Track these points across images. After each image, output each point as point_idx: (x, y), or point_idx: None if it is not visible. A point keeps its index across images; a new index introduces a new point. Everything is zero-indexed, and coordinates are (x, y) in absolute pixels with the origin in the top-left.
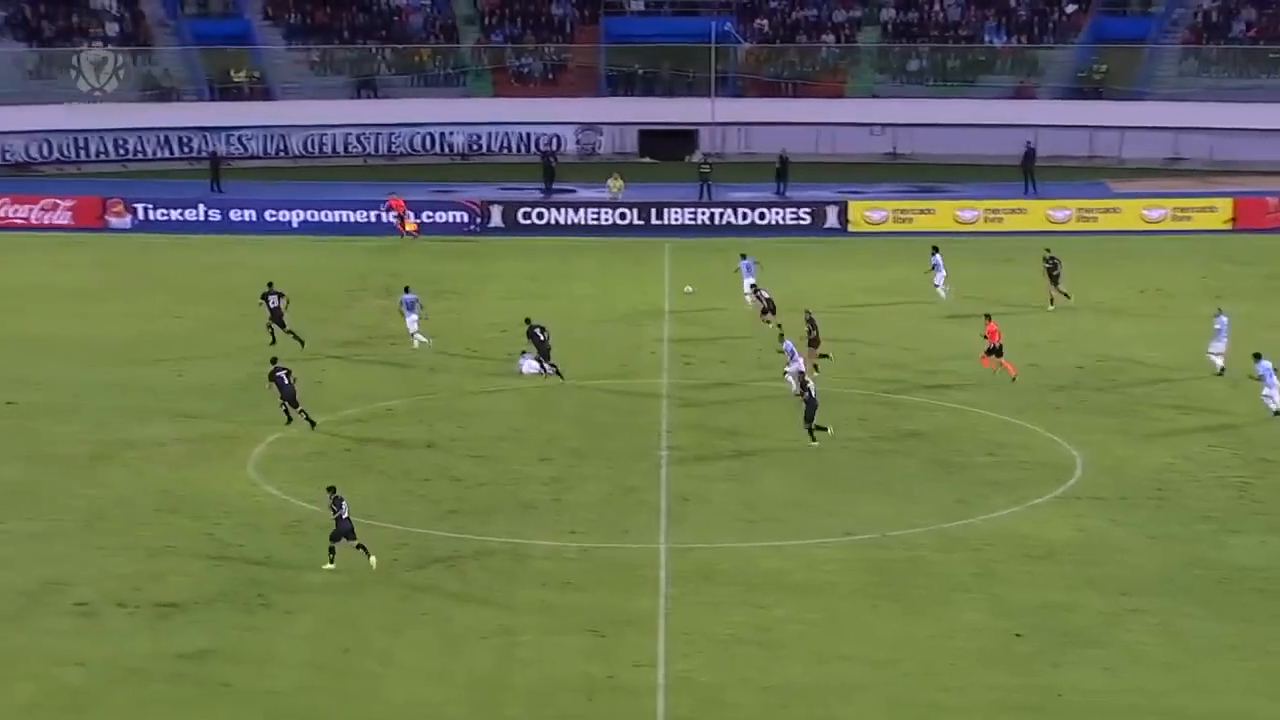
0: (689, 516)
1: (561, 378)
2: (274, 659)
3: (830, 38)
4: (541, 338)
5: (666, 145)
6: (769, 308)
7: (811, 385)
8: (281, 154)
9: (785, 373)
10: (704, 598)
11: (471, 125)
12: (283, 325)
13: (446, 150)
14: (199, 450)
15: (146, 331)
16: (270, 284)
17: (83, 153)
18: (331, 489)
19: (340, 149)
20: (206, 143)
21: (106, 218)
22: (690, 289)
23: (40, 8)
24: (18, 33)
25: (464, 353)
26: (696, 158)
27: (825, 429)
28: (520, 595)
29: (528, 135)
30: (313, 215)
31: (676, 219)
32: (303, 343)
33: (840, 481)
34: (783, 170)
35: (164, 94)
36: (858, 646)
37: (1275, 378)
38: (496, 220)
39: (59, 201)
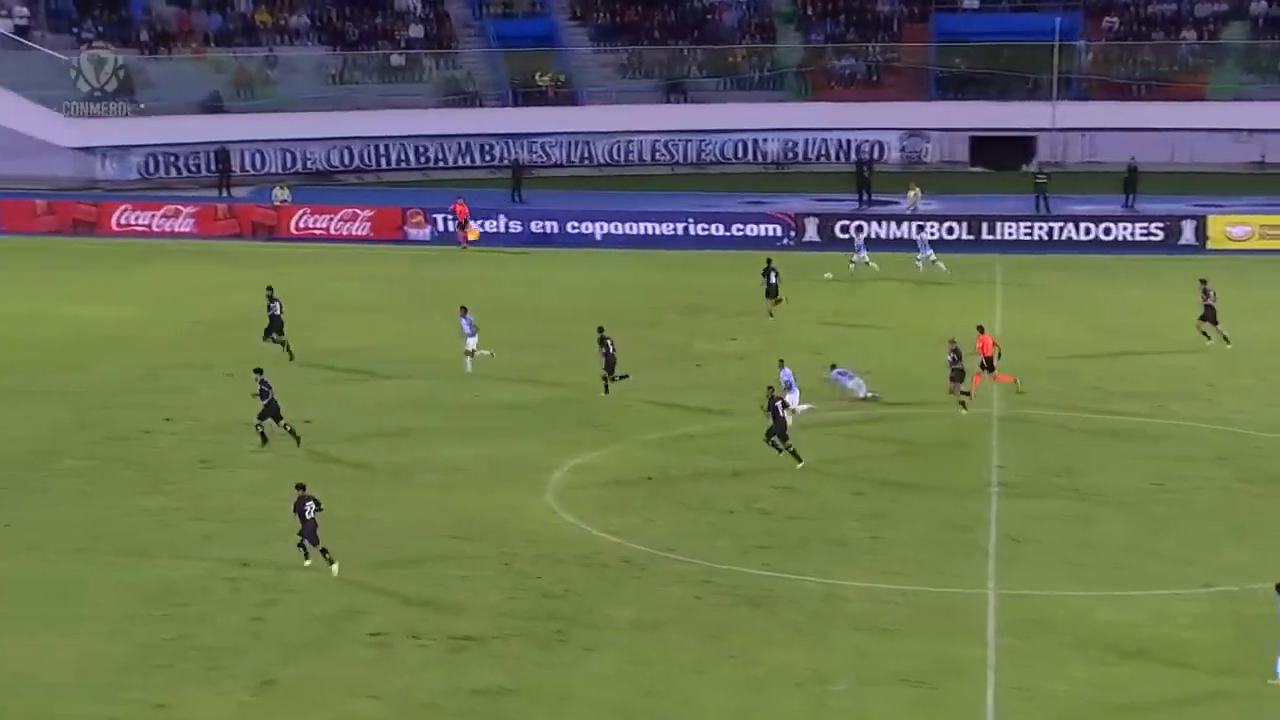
0: (1020, 559)
1: (606, 391)
2: (572, 698)
3: (1191, 34)
4: (611, 350)
5: (1000, 153)
6: (771, 291)
7: (780, 405)
8: (586, 162)
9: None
10: (1038, 650)
11: (787, 131)
12: (280, 332)
13: (759, 158)
14: (495, 475)
15: (442, 349)
16: (270, 288)
17: (383, 160)
18: (300, 486)
19: (647, 157)
20: (508, 150)
21: (405, 229)
22: (830, 275)
23: (345, 10)
24: (321, 36)
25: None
26: (1033, 167)
27: (799, 461)
28: (834, 639)
29: (847, 142)
30: (616, 227)
31: (1010, 233)
32: (292, 355)
33: (1193, 526)
34: (1132, 181)
35: (466, 98)
36: (1216, 711)
37: None
38: (811, 234)
39: (358, 212)
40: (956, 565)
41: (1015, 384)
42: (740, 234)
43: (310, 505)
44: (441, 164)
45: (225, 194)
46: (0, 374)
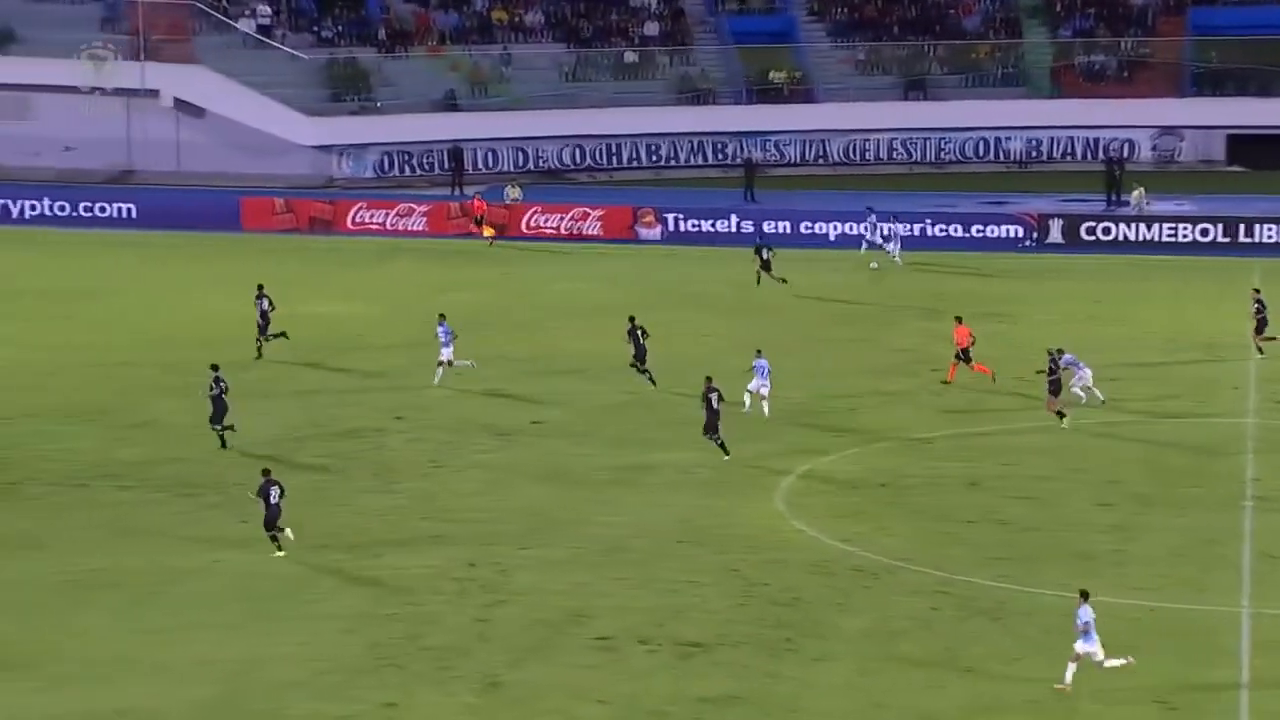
0: (1277, 576)
1: (654, 384)
2: (801, 709)
3: None
4: (641, 340)
5: (1260, 152)
6: (765, 265)
7: (715, 397)
8: (820, 160)
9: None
10: None
11: (1031, 129)
12: (262, 332)
13: (1001, 157)
14: (723, 479)
15: (669, 350)
16: (261, 286)
17: (614, 159)
18: (266, 471)
19: (884, 155)
20: (741, 148)
21: (636, 228)
22: (876, 265)
23: (580, 7)
24: (555, 33)
25: (1013, 383)
26: None
27: (726, 454)
28: None
29: (1094, 140)
30: (851, 227)
31: (1270, 236)
32: (266, 341)
33: None
34: None
35: (699, 96)
36: None
37: None
38: (1055, 235)
39: (589, 211)
40: (1208, 582)
41: (991, 376)
42: (980, 235)
43: (275, 490)
44: (673, 163)
45: (458, 192)
46: (239, 372)
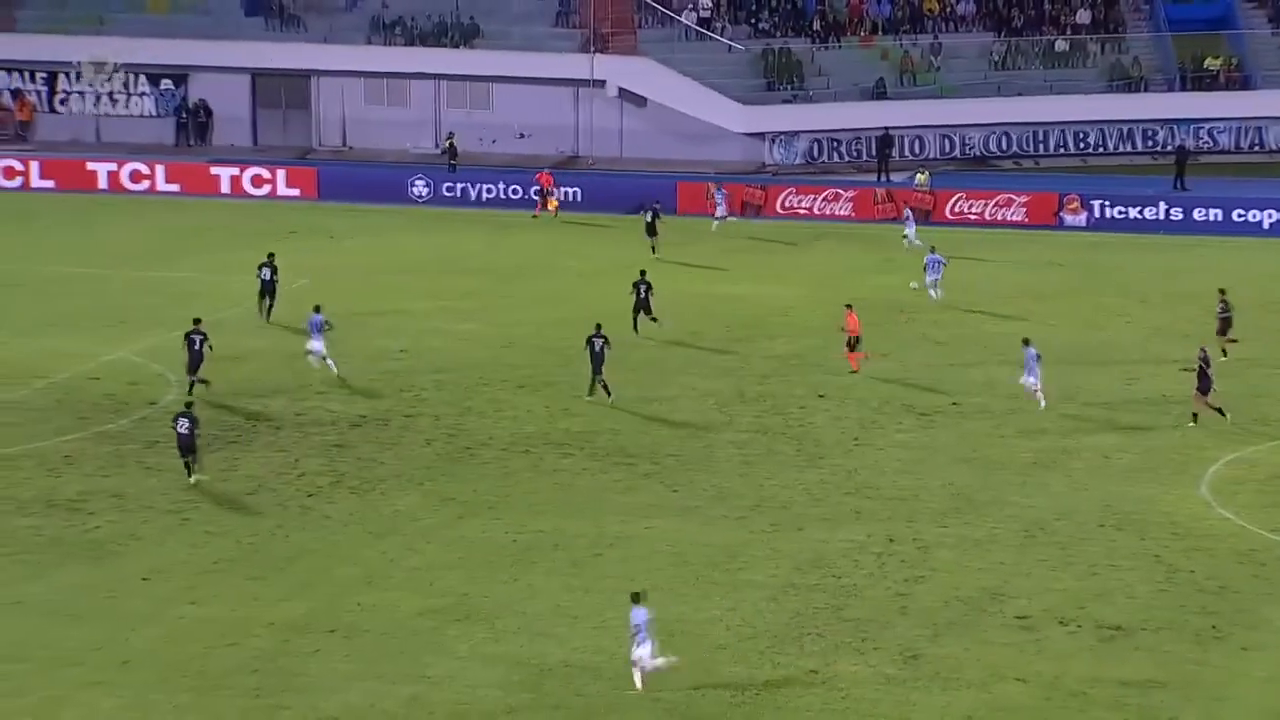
0: None
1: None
2: (1227, 698)
3: None
4: (642, 293)
5: None
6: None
7: (602, 342)
8: (1256, 148)
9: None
10: None
11: None
12: (269, 296)
13: None
14: (1147, 465)
15: (1094, 336)
16: (270, 254)
17: (1040, 146)
18: (188, 404)
19: None
20: (1173, 136)
21: (1061, 215)
22: (915, 285)
23: None
24: (986, 23)
25: None
26: None
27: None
28: None
29: None
30: None
31: None
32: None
33: None
34: None
35: (1130, 84)
36: None
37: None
38: None
39: (1014, 197)
40: None
41: (854, 368)
42: None
43: (185, 422)
44: (1100, 150)
45: (884, 179)
46: (677, 348)
